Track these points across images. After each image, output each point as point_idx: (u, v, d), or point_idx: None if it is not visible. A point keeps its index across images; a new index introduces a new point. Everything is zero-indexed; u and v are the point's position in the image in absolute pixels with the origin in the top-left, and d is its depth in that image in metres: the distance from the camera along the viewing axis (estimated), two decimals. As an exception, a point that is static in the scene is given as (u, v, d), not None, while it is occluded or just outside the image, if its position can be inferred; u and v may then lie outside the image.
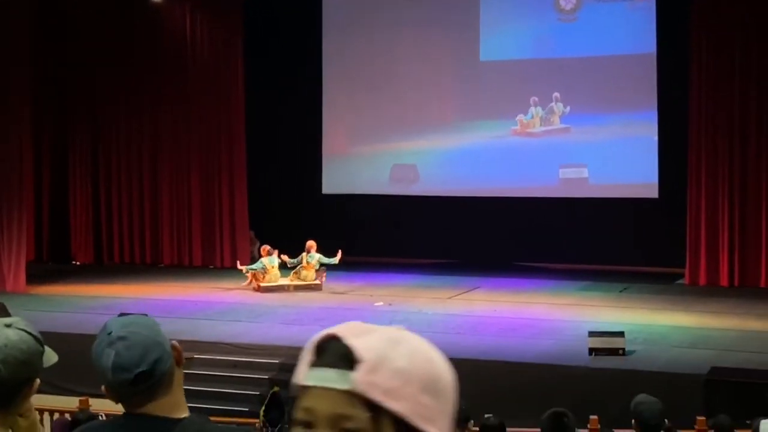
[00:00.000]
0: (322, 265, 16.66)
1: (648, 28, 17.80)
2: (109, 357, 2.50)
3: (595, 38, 18.24)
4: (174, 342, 2.60)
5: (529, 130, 18.78)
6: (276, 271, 16.60)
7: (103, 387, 2.56)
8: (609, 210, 18.13)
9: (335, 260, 16.50)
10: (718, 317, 14.09)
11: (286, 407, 9.01)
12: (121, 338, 2.52)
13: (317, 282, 16.70)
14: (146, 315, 2.65)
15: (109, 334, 2.54)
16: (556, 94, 18.45)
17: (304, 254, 16.66)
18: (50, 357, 2.65)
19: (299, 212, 19.95)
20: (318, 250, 16.74)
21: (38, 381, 2.58)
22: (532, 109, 18.72)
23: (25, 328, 2.58)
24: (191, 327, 13.73)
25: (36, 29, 18.69)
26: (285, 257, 16.62)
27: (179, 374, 2.61)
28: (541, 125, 18.72)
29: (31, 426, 2.59)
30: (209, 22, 19.63)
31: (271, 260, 16.57)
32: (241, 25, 19.45)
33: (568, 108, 18.40)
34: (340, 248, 16.63)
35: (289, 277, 16.66)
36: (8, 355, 2.53)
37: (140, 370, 2.48)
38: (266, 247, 16.77)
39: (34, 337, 2.58)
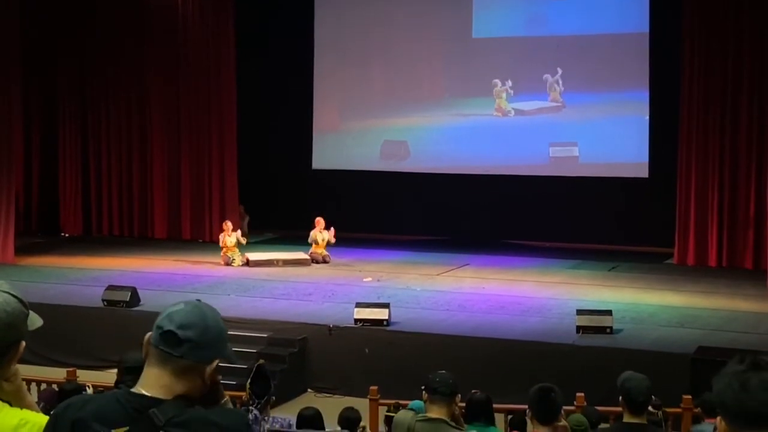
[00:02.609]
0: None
1: (641, 7, 17.74)
2: (177, 306, 2.47)
3: (587, 17, 18.18)
4: (216, 362, 2.50)
5: (503, 113, 18.77)
6: (235, 249, 16.69)
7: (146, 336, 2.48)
8: (599, 189, 18.13)
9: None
10: (706, 297, 14.12)
11: (272, 380, 8.97)
12: (198, 307, 2.51)
13: (306, 257, 16.72)
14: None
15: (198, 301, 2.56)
16: (552, 73, 18.35)
17: (315, 232, 16.77)
18: (35, 321, 2.62)
19: (289, 187, 19.94)
20: (310, 226, 16.84)
21: (24, 344, 2.55)
22: (497, 90, 18.66)
23: (9, 291, 2.55)
24: (179, 300, 13.69)
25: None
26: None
27: (197, 383, 2.49)
28: (508, 104, 18.68)
29: (16, 390, 2.56)
30: (201, -5, 19.53)
31: (230, 239, 16.69)
32: (232, 0, 19.35)
33: (563, 86, 18.33)
34: (332, 225, 16.70)
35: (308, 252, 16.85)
36: (-8, 317, 2.49)
37: (180, 332, 2.44)
38: (227, 223, 16.92)
39: (19, 299, 2.55)
